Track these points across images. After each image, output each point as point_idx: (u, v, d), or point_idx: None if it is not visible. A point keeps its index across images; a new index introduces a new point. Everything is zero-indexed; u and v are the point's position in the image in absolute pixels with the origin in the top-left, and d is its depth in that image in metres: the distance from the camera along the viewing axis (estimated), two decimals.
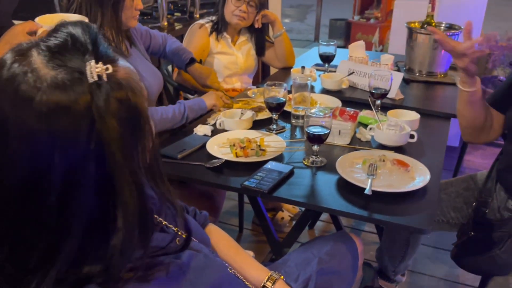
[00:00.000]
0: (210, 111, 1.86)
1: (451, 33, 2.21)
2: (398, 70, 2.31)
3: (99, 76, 0.58)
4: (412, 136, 1.56)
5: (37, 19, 1.17)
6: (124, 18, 1.62)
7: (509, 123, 1.50)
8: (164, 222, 0.87)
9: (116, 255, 0.60)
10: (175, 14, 3.37)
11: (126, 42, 1.72)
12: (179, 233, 0.86)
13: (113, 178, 0.59)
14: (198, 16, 3.29)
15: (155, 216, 0.86)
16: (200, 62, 2.13)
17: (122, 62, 0.65)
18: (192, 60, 2.03)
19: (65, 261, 0.59)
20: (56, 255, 0.59)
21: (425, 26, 2.29)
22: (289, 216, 2.45)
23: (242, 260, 1.10)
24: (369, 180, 1.28)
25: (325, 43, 2.29)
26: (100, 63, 0.59)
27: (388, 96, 1.85)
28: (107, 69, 0.59)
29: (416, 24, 2.34)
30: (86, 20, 1.25)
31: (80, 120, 0.57)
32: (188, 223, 0.82)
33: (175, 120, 1.70)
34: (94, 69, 0.58)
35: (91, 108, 0.57)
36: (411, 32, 2.29)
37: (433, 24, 2.29)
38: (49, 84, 0.57)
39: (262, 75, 3.42)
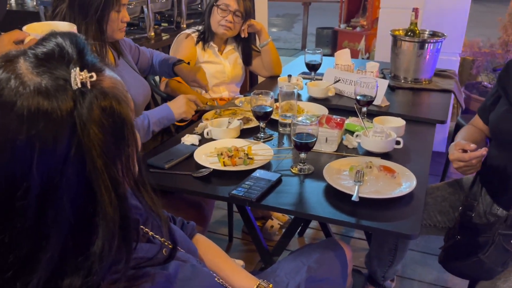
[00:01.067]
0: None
1: (434, 40, 2.24)
2: (384, 77, 2.34)
3: (83, 84, 0.59)
4: (398, 143, 1.58)
5: (24, 28, 1.17)
6: (110, 31, 1.61)
7: (492, 127, 1.53)
8: (151, 233, 0.87)
9: (96, 263, 0.60)
10: (162, 24, 3.38)
11: (114, 53, 1.71)
12: (166, 243, 0.86)
13: (93, 185, 0.59)
14: (185, 26, 3.30)
15: (142, 226, 0.86)
16: (189, 64, 2.12)
17: (108, 72, 0.65)
18: (179, 61, 2.02)
19: (46, 269, 0.58)
20: (36, 263, 0.58)
21: (409, 33, 2.32)
22: (278, 224, 2.45)
23: (230, 270, 1.10)
24: (356, 187, 1.29)
25: (311, 52, 2.31)
26: (85, 71, 0.60)
27: (374, 103, 1.87)
28: (91, 76, 0.60)
29: (401, 31, 2.38)
30: (75, 27, 1.25)
31: (61, 126, 0.57)
32: (173, 233, 0.81)
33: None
34: (78, 76, 0.59)
35: (73, 114, 0.58)
36: (395, 39, 2.32)
37: (417, 32, 2.32)
38: (32, 90, 0.57)
39: (249, 84, 3.43)
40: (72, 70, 0.59)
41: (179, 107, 1.69)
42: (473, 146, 1.38)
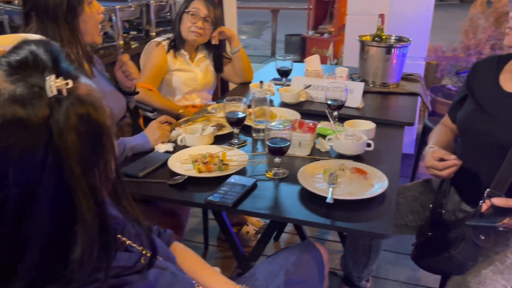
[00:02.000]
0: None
1: (400, 45, 2.31)
2: None
3: (59, 91, 0.58)
4: (369, 145, 1.62)
5: None
6: (90, 30, 1.54)
7: (459, 125, 1.58)
8: (128, 242, 0.86)
9: (76, 270, 0.59)
10: (131, 32, 3.35)
11: (89, 63, 1.67)
12: (144, 252, 0.85)
13: (71, 193, 0.59)
14: (154, 34, 3.28)
15: (119, 236, 0.85)
16: None
17: (84, 80, 0.64)
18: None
19: (25, 278, 0.57)
20: (15, 272, 0.57)
21: (376, 38, 2.38)
22: (254, 230, 2.46)
23: (209, 276, 1.10)
24: (330, 189, 1.31)
25: (281, 58, 2.34)
26: (60, 78, 0.59)
27: (353, 105, 1.97)
28: (67, 84, 0.59)
29: (368, 37, 2.44)
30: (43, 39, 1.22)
31: (37, 134, 0.57)
32: (153, 240, 0.81)
33: None
34: (54, 84, 0.58)
35: (50, 122, 0.57)
36: (363, 45, 2.38)
37: (383, 37, 2.39)
38: (7, 98, 0.56)
39: (221, 91, 3.44)
40: (47, 78, 0.58)
41: (152, 134, 1.67)
42: (453, 156, 1.44)
